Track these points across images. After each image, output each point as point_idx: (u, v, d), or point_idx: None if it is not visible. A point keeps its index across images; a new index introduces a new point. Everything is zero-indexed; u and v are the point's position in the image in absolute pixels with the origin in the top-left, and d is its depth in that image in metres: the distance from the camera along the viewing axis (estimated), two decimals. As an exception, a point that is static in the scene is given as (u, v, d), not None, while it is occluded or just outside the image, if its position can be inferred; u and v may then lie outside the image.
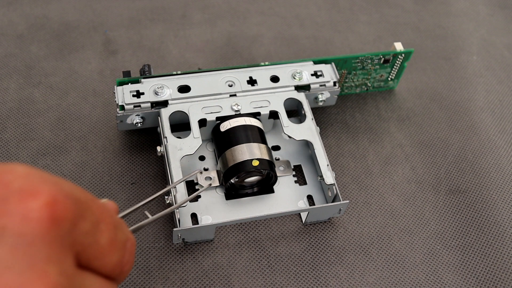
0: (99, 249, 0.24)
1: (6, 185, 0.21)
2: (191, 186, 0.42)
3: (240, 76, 0.43)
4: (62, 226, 0.22)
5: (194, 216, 0.40)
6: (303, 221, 0.41)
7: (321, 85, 0.44)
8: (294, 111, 0.46)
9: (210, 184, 0.41)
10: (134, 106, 0.41)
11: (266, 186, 0.42)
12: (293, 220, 0.42)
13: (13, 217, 0.21)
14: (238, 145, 0.40)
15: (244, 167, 0.39)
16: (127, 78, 0.42)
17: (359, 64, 0.47)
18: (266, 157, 0.40)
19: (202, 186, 0.41)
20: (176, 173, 0.38)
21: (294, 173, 0.43)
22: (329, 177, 0.40)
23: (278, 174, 0.42)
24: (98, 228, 0.24)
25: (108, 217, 0.25)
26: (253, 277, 0.39)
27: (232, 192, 0.41)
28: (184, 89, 0.42)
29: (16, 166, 0.22)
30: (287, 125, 0.42)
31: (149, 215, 0.35)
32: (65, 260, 0.22)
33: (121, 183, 0.42)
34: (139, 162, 0.44)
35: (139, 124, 0.42)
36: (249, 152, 0.39)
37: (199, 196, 0.41)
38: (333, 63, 0.45)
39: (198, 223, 0.40)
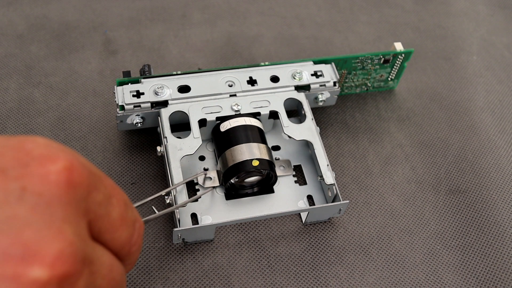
0: (111, 222, 0.25)
1: (28, 152, 0.23)
2: (191, 186, 0.42)
3: (240, 76, 0.43)
4: (78, 191, 0.23)
5: (194, 216, 0.40)
6: (303, 221, 0.41)
7: (321, 85, 0.44)
8: (294, 111, 0.46)
9: (214, 187, 0.41)
10: (134, 106, 0.41)
11: (266, 186, 0.42)
12: (293, 220, 0.42)
13: (33, 179, 0.22)
14: (238, 145, 0.40)
15: (244, 167, 0.39)
16: (127, 78, 0.42)
17: (359, 64, 0.47)
18: (265, 157, 0.40)
19: (202, 186, 0.41)
20: (176, 173, 0.38)
21: (294, 173, 0.43)
22: (329, 177, 0.40)
23: (278, 174, 0.42)
24: (110, 201, 0.25)
25: (119, 193, 0.26)
26: (253, 277, 0.39)
27: (232, 192, 0.41)
28: (184, 89, 0.42)
29: (36, 137, 0.24)
30: (287, 125, 0.42)
31: (156, 210, 0.36)
32: (79, 223, 0.23)
33: (121, 183, 0.42)
34: (139, 162, 0.44)
35: (139, 124, 0.42)
36: (248, 152, 0.39)
37: (199, 196, 0.41)
38: (333, 63, 0.45)
39: (198, 223, 0.40)
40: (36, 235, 0.21)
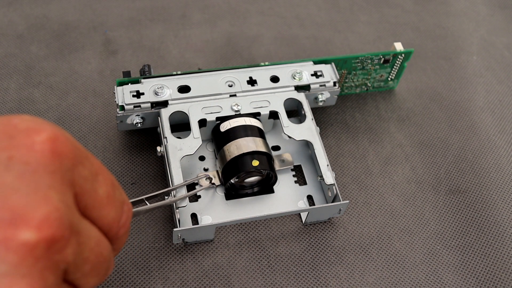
0: (97, 198, 0.26)
1: (14, 126, 0.24)
2: (191, 186, 0.42)
3: (240, 76, 0.43)
4: (63, 161, 0.24)
5: (194, 216, 0.40)
6: (303, 221, 0.41)
7: (321, 85, 0.44)
8: (294, 111, 0.46)
9: (213, 184, 0.41)
10: (134, 106, 0.41)
11: (266, 186, 0.42)
12: (293, 220, 0.42)
13: (19, 149, 0.23)
14: (233, 141, 0.40)
15: (242, 166, 0.39)
16: (127, 78, 0.42)
17: (359, 64, 0.47)
18: (262, 149, 0.39)
19: (202, 186, 0.41)
20: (176, 173, 0.38)
21: (293, 168, 0.43)
22: (329, 177, 0.40)
23: (278, 168, 0.42)
24: (96, 178, 0.26)
25: (107, 173, 0.27)
26: (253, 277, 0.39)
27: (232, 192, 0.41)
28: (184, 89, 0.42)
29: (22, 115, 0.25)
30: (287, 125, 0.42)
31: (147, 203, 0.35)
32: (66, 193, 0.24)
33: (121, 183, 0.42)
34: (139, 162, 0.44)
35: (139, 124, 0.42)
36: (245, 145, 0.39)
37: (199, 196, 0.41)
38: (333, 63, 0.45)
39: (198, 223, 0.40)
40: (23, 200, 0.22)
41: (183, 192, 0.38)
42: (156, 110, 0.41)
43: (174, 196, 0.38)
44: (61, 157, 0.24)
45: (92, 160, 0.26)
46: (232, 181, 0.40)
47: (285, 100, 0.43)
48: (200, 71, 0.43)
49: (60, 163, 0.24)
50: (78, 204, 0.25)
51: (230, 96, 0.42)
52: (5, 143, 0.23)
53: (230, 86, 0.43)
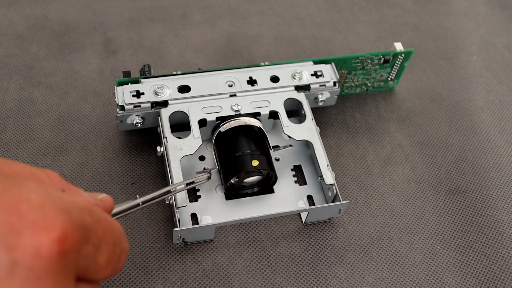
0: (97, 267, 0.26)
1: (21, 216, 0.22)
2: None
3: (240, 76, 0.43)
4: (68, 257, 0.23)
5: (194, 216, 0.40)
6: (303, 221, 0.41)
7: (321, 85, 0.44)
8: (294, 111, 0.46)
9: (209, 177, 0.40)
10: (134, 106, 0.41)
11: (266, 186, 0.42)
12: (293, 220, 0.42)
13: (25, 252, 0.22)
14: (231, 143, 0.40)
15: (242, 166, 0.39)
16: (127, 78, 0.42)
17: (359, 64, 0.47)
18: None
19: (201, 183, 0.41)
20: (176, 173, 0.38)
21: (293, 168, 0.43)
22: (329, 177, 0.40)
23: (276, 150, 0.42)
24: (99, 249, 0.25)
25: (110, 235, 0.26)
26: (253, 277, 0.39)
27: (232, 192, 0.41)
28: (184, 89, 0.42)
29: (31, 194, 0.23)
30: (287, 125, 0.42)
31: (140, 203, 0.35)
32: (67, 286, 0.23)
33: (121, 183, 0.42)
34: (139, 162, 0.44)
35: (139, 124, 0.42)
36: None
37: (199, 196, 0.41)
38: (333, 63, 0.45)
39: (198, 223, 0.40)
40: None
41: (180, 193, 0.38)
42: (156, 110, 0.41)
43: (174, 195, 0.37)
44: (68, 254, 0.23)
45: (97, 230, 0.25)
46: (232, 181, 0.40)
47: (285, 100, 0.43)
48: (200, 71, 0.43)
49: (65, 261, 0.23)
50: (78, 275, 0.25)
51: (230, 96, 0.42)
52: (9, 241, 0.22)
53: (230, 86, 0.43)
